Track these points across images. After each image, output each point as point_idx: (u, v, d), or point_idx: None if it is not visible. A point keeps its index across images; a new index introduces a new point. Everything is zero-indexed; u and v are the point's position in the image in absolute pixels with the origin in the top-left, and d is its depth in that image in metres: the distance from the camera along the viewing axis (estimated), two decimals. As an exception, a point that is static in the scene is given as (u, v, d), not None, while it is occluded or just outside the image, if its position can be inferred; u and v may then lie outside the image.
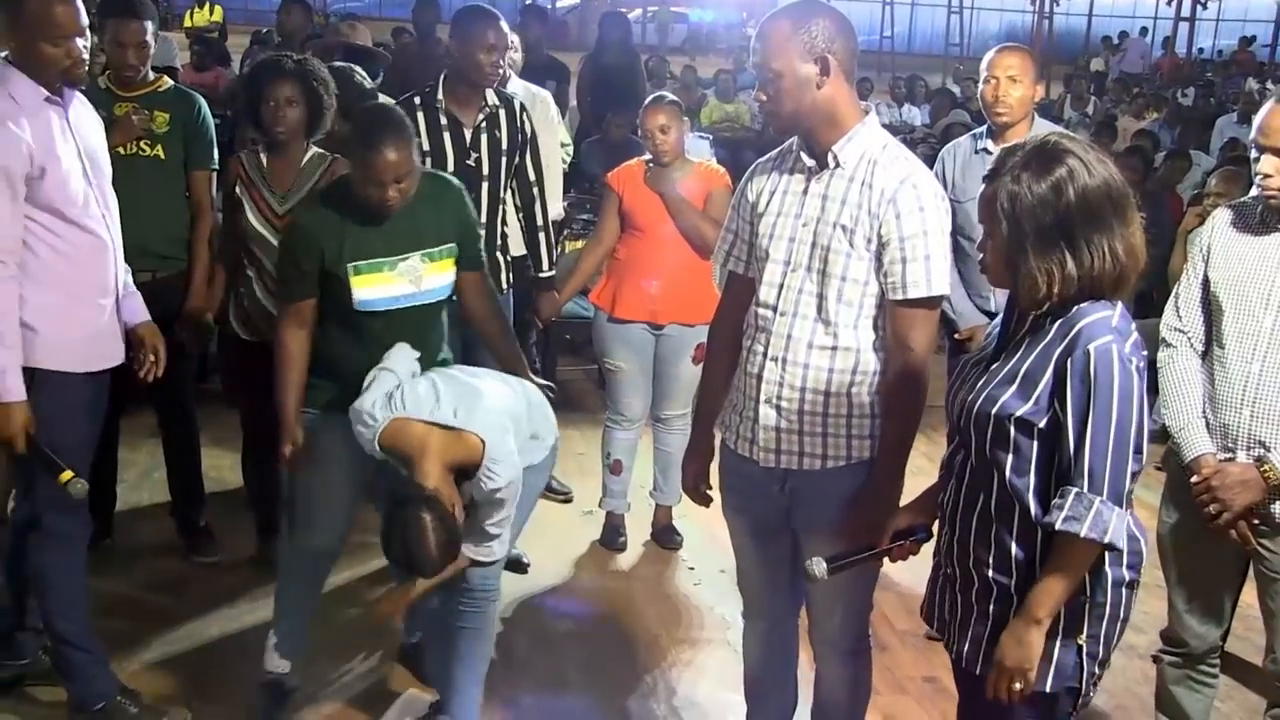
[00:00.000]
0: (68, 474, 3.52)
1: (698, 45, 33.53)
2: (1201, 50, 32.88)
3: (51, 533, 3.80)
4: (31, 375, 3.60)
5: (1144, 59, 28.39)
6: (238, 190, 4.71)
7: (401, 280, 3.82)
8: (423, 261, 3.85)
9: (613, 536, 5.60)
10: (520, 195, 5.12)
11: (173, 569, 5.09)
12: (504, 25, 4.93)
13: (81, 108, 3.84)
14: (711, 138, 8.95)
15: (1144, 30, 32.78)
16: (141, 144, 4.82)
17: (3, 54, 3.71)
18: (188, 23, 20.32)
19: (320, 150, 4.76)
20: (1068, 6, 33.77)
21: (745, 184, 3.44)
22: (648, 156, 5.35)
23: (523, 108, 5.09)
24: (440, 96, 4.88)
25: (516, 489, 3.61)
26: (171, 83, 5.05)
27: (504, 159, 4.97)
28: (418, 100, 4.89)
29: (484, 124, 4.92)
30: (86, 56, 3.71)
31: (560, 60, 9.08)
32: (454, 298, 4.03)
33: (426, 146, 4.75)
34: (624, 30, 10.00)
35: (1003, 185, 2.62)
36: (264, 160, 4.71)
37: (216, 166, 5.00)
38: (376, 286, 3.78)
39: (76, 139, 3.73)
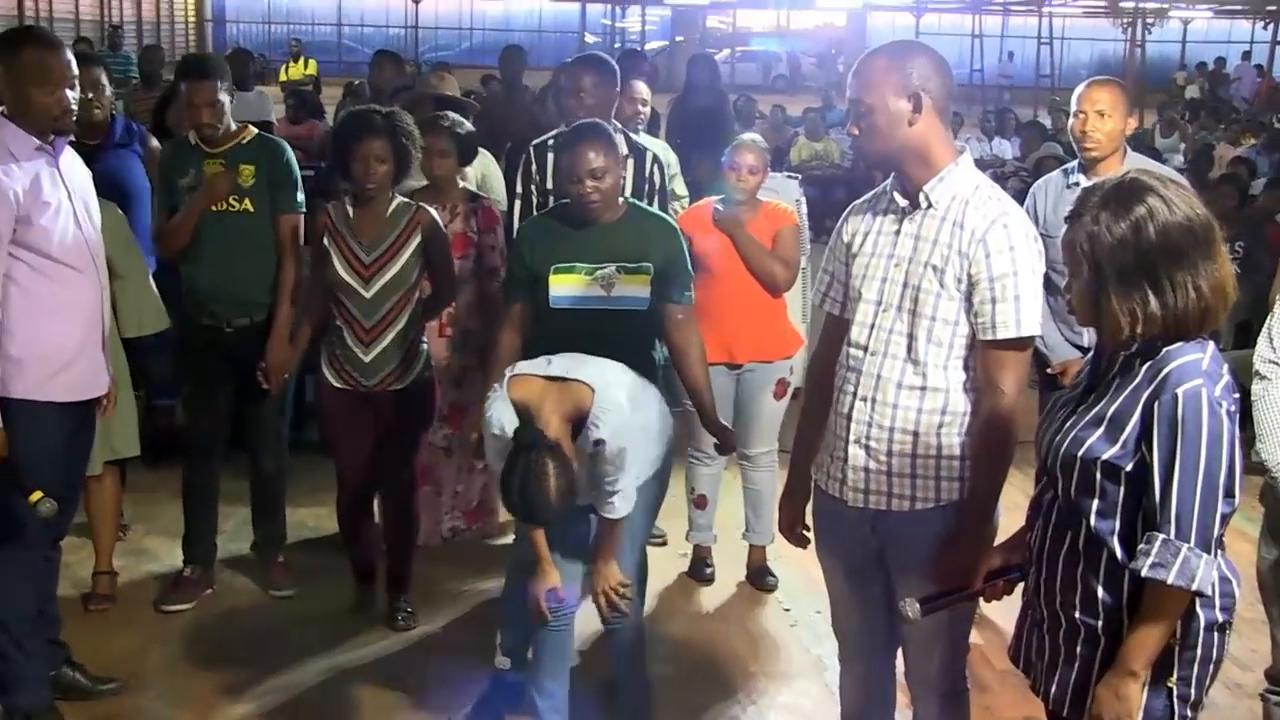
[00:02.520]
0: (37, 494, 3.76)
1: (789, 84, 33.63)
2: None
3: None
4: (7, 405, 3.85)
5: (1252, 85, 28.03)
6: (325, 241, 4.82)
7: (594, 285, 4.15)
8: (618, 273, 4.15)
9: (700, 569, 5.64)
10: None
11: (273, 618, 5.18)
12: (606, 72, 5.14)
13: (71, 155, 4.11)
14: (801, 177, 8.92)
15: (1245, 55, 32.30)
16: (231, 199, 4.97)
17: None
18: (283, 76, 20.76)
19: (405, 200, 4.90)
20: (1160, 34, 33.41)
21: (841, 225, 3.47)
22: (716, 197, 5.43)
23: (655, 159, 5.27)
24: None
25: (625, 451, 3.71)
26: (256, 131, 5.20)
27: None
28: (549, 141, 5.20)
29: None
30: (75, 106, 3.99)
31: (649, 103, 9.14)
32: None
33: (550, 186, 5.09)
34: (712, 72, 10.07)
35: (1082, 226, 2.62)
36: (350, 212, 4.83)
37: (303, 210, 5.14)
38: (570, 287, 4.12)
39: (67, 184, 4.01)
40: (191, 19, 35.13)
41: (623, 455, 3.70)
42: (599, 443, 3.66)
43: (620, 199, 4.24)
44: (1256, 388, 3.54)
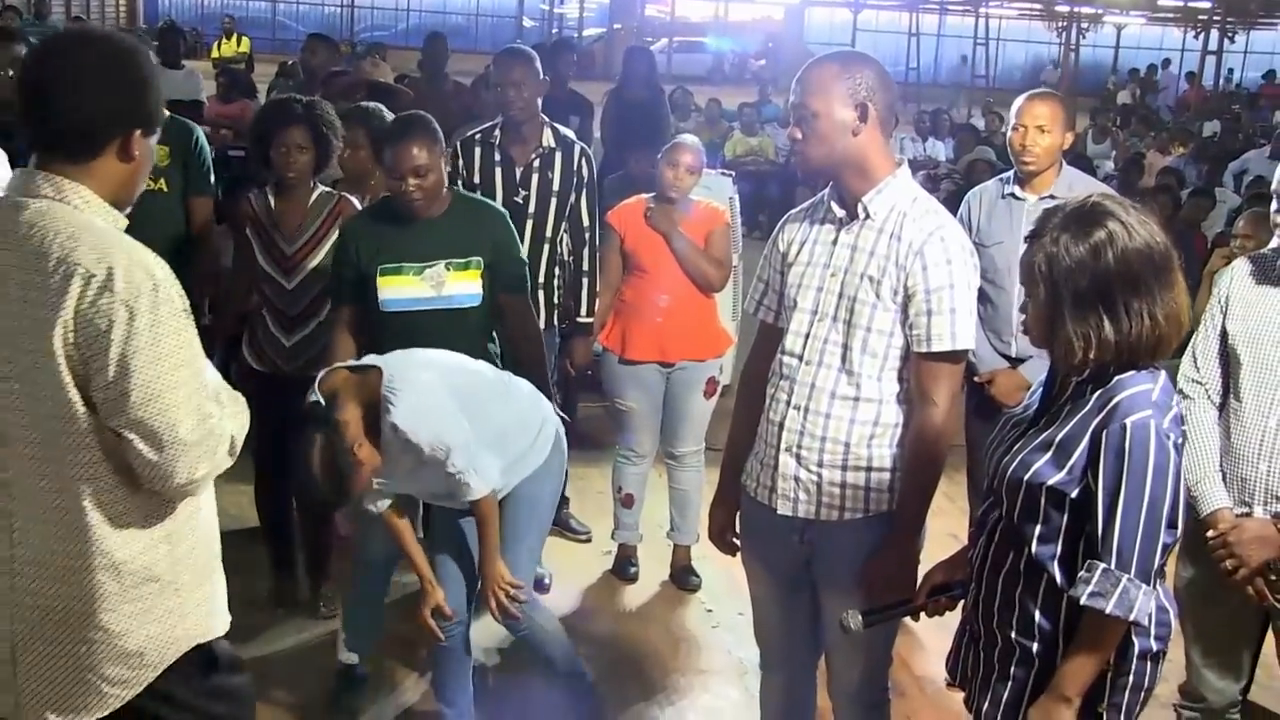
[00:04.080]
0: None
1: (724, 77, 33.64)
2: (1238, 83, 32.79)
3: None
4: None
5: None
6: (247, 231, 4.82)
7: (424, 285, 4.08)
8: (447, 270, 4.09)
9: (624, 567, 5.63)
10: (572, 238, 5.29)
11: None
12: (536, 66, 5.11)
13: None
14: (734, 174, 8.92)
15: (1166, 63, 32.74)
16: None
17: None
18: (215, 54, 20.39)
19: (327, 189, 4.89)
20: (1094, 39, 33.80)
21: (777, 233, 3.46)
22: (649, 195, 5.42)
23: (583, 151, 5.26)
24: (497, 133, 5.14)
25: (439, 432, 3.57)
26: (167, 114, 5.13)
27: (554, 199, 5.16)
28: (477, 135, 5.19)
29: (536, 163, 5.13)
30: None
31: (583, 95, 9.12)
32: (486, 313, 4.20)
33: (478, 180, 5.10)
34: (648, 65, 10.01)
35: (1041, 247, 2.60)
36: (272, 202, 4.81)
37: (215, 192, 5.10)
38: (399, 288, 4.06)
39: None
40: (122, -10, 34.50)
41: (437, 435, 3.57)
42: (394, 426, 3.53)
43: (445, 189, 4.18)
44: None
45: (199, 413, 2.45)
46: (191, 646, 2.61)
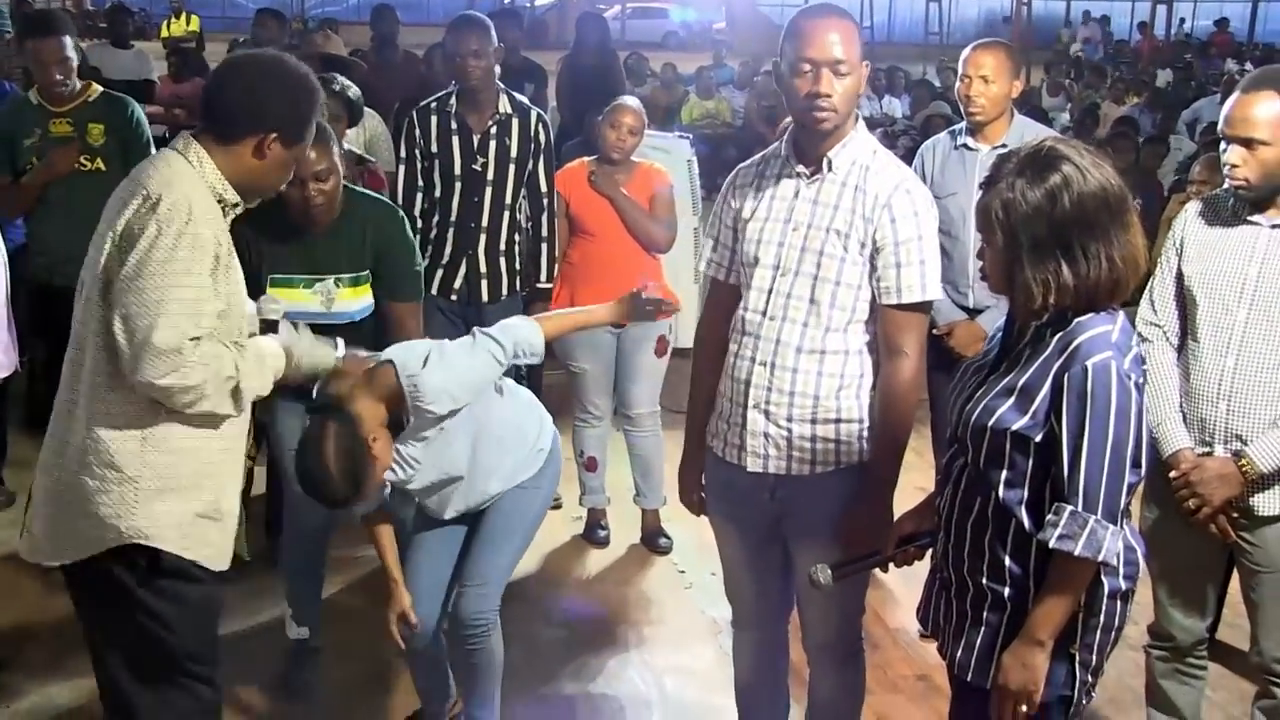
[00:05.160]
0: None
1: (679, 41, 33.50)
2: (1188, 32, 32.91)
3: None
4: None
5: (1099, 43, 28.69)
6: None
7: (314, 299, 4.00)
8: (336, 286, 4.01)
9: (594, 532, 5.64)
10: (530, 204, 5.27)
11: None
12: (492, 34, 5.10)
13: None
14: (691, 137, 8.91)
15: (1086, 14, 32.84)
16: (81, 159, 4.88)
17: None
18: (164, 33, 20.13)
19: None
20: (1046, -10, 33.87)
21: (727, 190, 3.44)
22: (591, 157, 5.42)
23: (539, 117, 5.24)
24: (453, 102, 5.11)
25: (468, 378, 3.51)
26: (100, 89, 5.12)
27: (513, 166, 5.15)
28: (433, 104, 5.16)
29: (494, 130, 5.12)
30: None
31: (537, 62, 9.07)
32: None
33: (435, 149, 5.07)
34: (602, 31, 9.98)
35: (998, 194, 2.60)
36: None
37: None
38: (289, 301, 3.86)
39: None
40: (68, -28, 34.03)
41: (477, 380, 3.52)
42: (429, 407, 3.44)
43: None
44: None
45: (178, 329, 2.78)
46: (131, 542, 2.94)
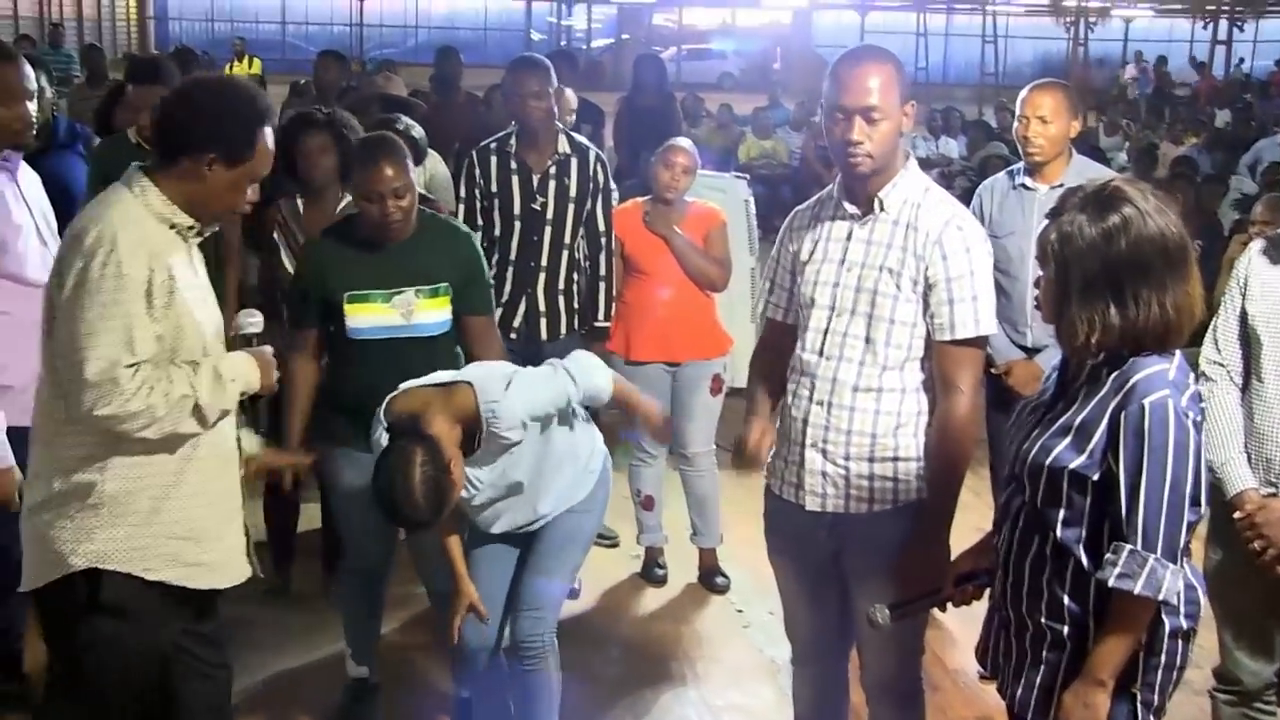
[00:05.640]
0: None
1: (734, 83, 33.63)
2: (1246, 72, 32.65)
3: None
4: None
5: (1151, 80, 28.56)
6: (275, 236, 4.86)
7: (393, 313, 4.00)
8: (416, 297, 4.00)
9: (651, 570, 5.64)
10: (588, 243, 5.29)
11: None
12: (551, 75, 5.16)
13: (26, 170, 4.04)
14: (749, 176, 8.94)
15: (1138, 54, 32.64)
16: None
17: None
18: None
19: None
20: (1103, 32, 33.74)
21: (785, 233, 3.48)
22: (646, 197, 5.46)
23: (598, 157, 5.29)
24: (513, 142, 5.16)
25: (540, 401, 3.58)
26: None
27: (572, 205, 5.18)
28: (493, 145, 5.21)
29: (553, 170, 5.16)
30: (35, 120, 3.91)
31: (594, 103, 9.15)
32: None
33: (495, 189, 5.13)
34: (660, 72, 10.06)
35: (1058, 225, 2.61)
36: (300, 208, 4.86)
37: (244, 210, 5.12)
38: (368, 316, 3.98)
39: (28, 201, 3.94)
40: (133, 16, 34.71)
41: (548, 400, 3.58)
42: (505, 437, 3.49)
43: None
44: (1201, 389, 3.57)
45: (108, 359, 2.82)
46: (81, 569, 2.97)
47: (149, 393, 2.85)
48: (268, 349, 3.20)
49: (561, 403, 3.62)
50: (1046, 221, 2.68)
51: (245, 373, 3.08)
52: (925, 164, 3.47)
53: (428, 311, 4.03)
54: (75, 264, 2.87)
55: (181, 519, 3.04)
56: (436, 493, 3.36)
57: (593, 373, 3.70)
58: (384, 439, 3.50)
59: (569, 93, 7.04)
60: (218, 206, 3.09)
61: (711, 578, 5.59)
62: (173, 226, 3.00)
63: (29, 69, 3.86)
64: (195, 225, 3.05)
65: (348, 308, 3.98)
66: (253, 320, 3.23)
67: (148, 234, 2.93)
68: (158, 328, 2.91)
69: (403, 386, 3.63)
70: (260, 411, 3.20)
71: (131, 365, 2.84)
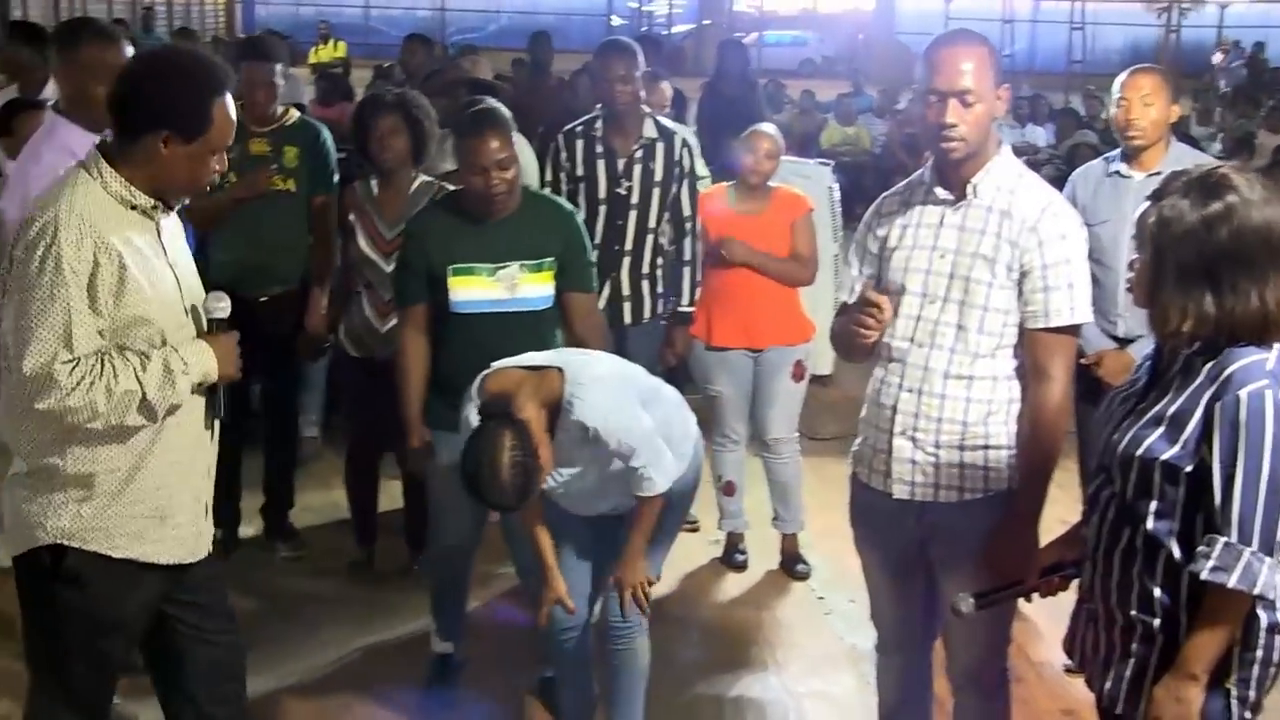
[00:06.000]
0: None
1: (814, 70, 33.43)
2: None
3: None
4: None
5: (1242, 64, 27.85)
6: (351, 218, 4.97)
7: (498, 286, 4.02)
8: (520, 271, 4.02)
9: (732, 556, 5.65)
10: (673, 228, 5.30)
11: (281, 582, 5.35)
12: (639, 58, 5.17)
13: None
14: (833, 163, 8.90)
15: (1229, 41, 31.90)
16: (276, 178, 5.10)
17: (50, 101, 3.87)
18: (313, 58, 20.72)
19: (428, 178, 5.00)
20: (1196, 18, 33.10)
21: (873, 218, 3.45)
22: (729, 183, 5.50)
23: (684, 142, 5.30)
24: (599, 125, 5.17)
25: (626, 426, 3.54)
26: (298, 114, 5.37)
27: (656, 190, 5.19)
28: (579, 128, 5.23)
29: (639, 154, 5.17)
30: None
31: (677, 88, 9.12)
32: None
33: (581, 173, 5.15)
34: (743, 58, 10.03)
35: (1159, 209, 2.57)
36: (375, 189, 4.96)
37: (335, 191, 5.30)
38: (472, 289, 4.02)
39: None
40: (221, 1, 35.08)
41: (625, 429, 3.54)
42: (583, 424, 3.50)
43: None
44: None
45: (44, 355, 2.80)
46: (47, 544, 2.99)
47: (89, 388, 2.83)
48: (232, 335, 3.14)
49: (631, 443, 3.55)
50: (1148, 204, 2.63)
51: (201, 363, 3.02)
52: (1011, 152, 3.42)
53: (532, 285, 4.06)
54: (19, 254, 2.85)
55: (147, 497, 3.04)
56: (524, 477, 3.39)
57: (662, 467, 3.63)
58: (474, 418, 3.52)
59: (665, 84, 7.08)
60: (181, 184, 3.04)
61: (793, 564, 5.58)
62: (134, 207, 2.96)
63: (130, 49, 3.93)
64: (158, 204, 3.01)
65: (452, 281, 4.02)
66: (220, 305, 3.17)
67: (98, 221, 2.87)
68: (101, 322, 2.87)
69: (495, 365, 3.65)
70: (221, 400, 3.15)
71: (69, 361, 2.82)
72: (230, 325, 3.16)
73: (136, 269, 2.91)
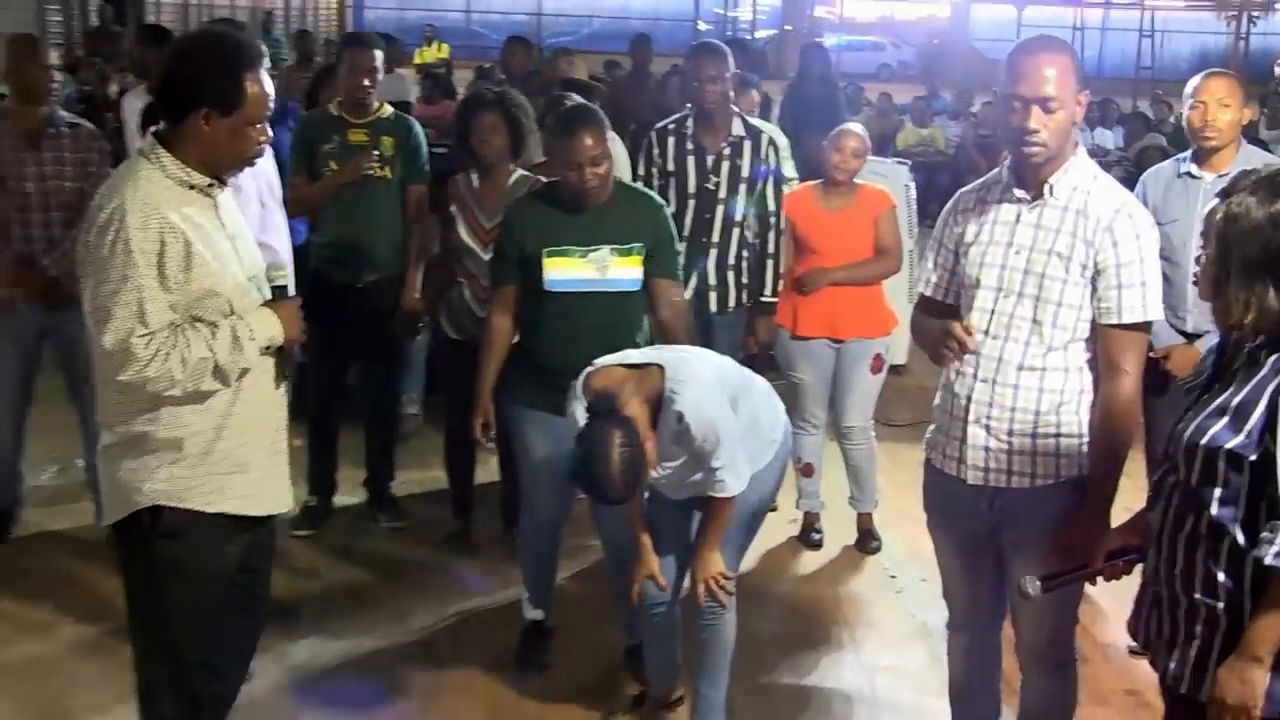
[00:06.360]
0: None
1: (891, 74, 33.17)
2: None
3: None
4: None
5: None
6: (452, 208, 5.03)
7: (589, 267, 4.07)
8: (611, 254, 4.07)
9: (808, 534, 5.64)
10: (758, 221, 5.29)
11: (385, 550, 5.43)
12: (729, 60, 5.19)
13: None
14: (910, 163, 8.83)
15: None
16: (374, 166, 5.20)
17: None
18: (417, 59, 20.93)
19: (525, 173, 5.03)
20: (1265, 26, 32.40)
21: (950, 214, 3.42)
22: (817, 181, 5.50)
23: (771, 141, 5.30)
24: (690, 123, 5.18)
25: (714, 423, 3.54)
26: (392, 109, 5.43)
27: (743, 185, 5.19)
28: (670, 126, 5.26)
29: (727, 151, 5.18)
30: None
31: (764, 91, 9.10)
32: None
33: (671, 168, 5.17)
34: (825, 62, 10.00)
35: (1226, 205, 2.53)
36: (475, 182, 5.01)
37: (429, 180, 5.41)
38: (564, 269, 4.05)
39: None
40: (333, 5, 35.54)
41: (713, 428, 3.53)
42: (680, 417, 3.50)
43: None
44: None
45: (121, 332, 2.88)
46: (147, 506, 3.06)
47: (165, 358, 2.91)
48: (294, 300, 3.22)
49: (715, 439, 3.55)
50: (1216, 200, 2.59)
51: (267, 328, 3.09)
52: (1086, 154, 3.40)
53: (621, 268, 4.09)
54: (92, 239, 2.94)
55: (231, 453, 3.12)
56: (633, 471, 3.41)
57: (736, 471, 3.62)
58: (580, 416, 3.54)
59: (754, 91, 7.07)
60: (228, 157, 3.08)
61: (867, 539, 5.59)
62: (192, 186, 3.02)
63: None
64: (214, 181, 3.07)
65: (546, 261, 4.06)
66: (280, 273, 3.23)
67: (161, 204, 2.94)
68: (171, 297, 2.94)
69: (598, 362, 3.66)
70: (286, 363, 3.23)
71: (144, 335, 2.90)
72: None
73: (201, 245, 2.99)
